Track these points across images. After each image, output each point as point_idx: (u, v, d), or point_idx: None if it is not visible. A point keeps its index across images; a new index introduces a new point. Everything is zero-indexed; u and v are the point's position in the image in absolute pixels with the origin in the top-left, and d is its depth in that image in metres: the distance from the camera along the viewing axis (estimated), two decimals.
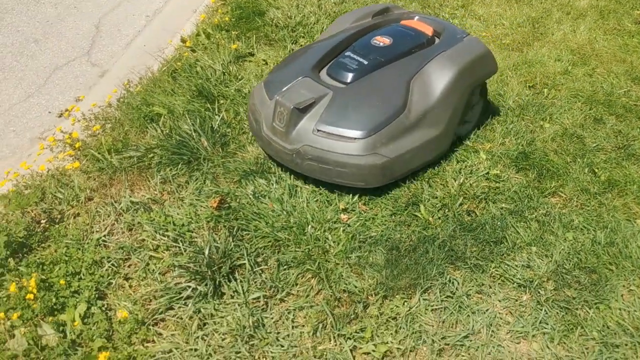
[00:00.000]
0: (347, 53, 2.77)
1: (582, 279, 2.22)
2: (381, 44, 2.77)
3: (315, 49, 2.88)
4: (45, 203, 2.61)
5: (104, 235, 2.46)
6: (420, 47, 2.79)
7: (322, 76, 2.71)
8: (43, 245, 2.44)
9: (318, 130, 2.48)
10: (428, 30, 2.89)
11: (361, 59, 2.69)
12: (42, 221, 2.53)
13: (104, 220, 2.53)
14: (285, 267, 2.30)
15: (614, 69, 3.54)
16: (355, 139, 2.44)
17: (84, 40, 4.33)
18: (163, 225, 2.45)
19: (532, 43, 3.86)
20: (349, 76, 2.63)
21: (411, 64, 2.68)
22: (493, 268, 2.28)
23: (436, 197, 2.57)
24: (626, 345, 2.02)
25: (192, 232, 2.42)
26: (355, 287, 2.21)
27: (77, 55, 4.15)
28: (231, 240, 2.35)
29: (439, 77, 2.60)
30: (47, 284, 2.22)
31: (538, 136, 2.93)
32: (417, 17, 3.07)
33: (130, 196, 2.62)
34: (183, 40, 3.80)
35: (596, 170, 2.71)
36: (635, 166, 2.74)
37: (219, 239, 2.34)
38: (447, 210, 2.51)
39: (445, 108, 2.61)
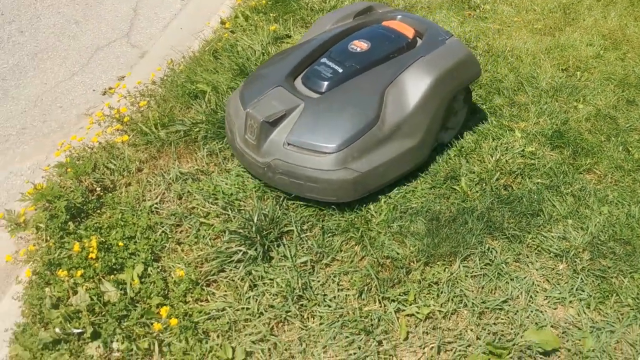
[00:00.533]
0: (323, 60, 2.66)
1: (617, 250, 2.30)
2: (358, 49, 2.66)
3: (292, 55, 2.77)
4: (98, 173, 2.74)
5: (156, 203, 2.58)
6: (399, 52, 2.67)
7: (297, 84, 2.63)
8: (98, 211, 2.57)
9: (288, 144, 2.41)
10: (409, 32, 2.77)
11: (336, 67, 2.59)
12: (97, 189, 2.66)
13: (154, 189, 2.66)
14: (329, 234, 2.41)
15: None
16: (325, 153, 2.37)
17: (123, 23, 4.46)
18: (212, 194, 2.57)
19: (563, 28, 3.92)
20: (323, 85, 2.54)
21: (387, 71, 2.57)
22: (530, 239, 2.37)
23: (474, 172, 2.66)
24: None
25: (240, 201, 2.54)
26: (398, 253, 2.31)
27: (117, 37, 4.28)
28: (278, 208, 2.47)
29: (415, 86, 2.50)
30: (105, 246, 2.35)
31: (572, 116, 3.01)
32: (399, 17, 2.94)
33: (179, 167, 2.74)
34: (223, 22, 3.91)
35: (630, 148, 2.78)
36: None
37: (267, 207, 2.46)
38: (484, 184, 2.60)
39: (422, 118, 2.52)
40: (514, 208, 2.48)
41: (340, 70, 2.58)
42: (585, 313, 2.10)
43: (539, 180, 2.62)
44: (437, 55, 2.61)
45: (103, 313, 2.14)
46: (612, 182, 2.62)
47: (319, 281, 2.24)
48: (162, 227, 2.46)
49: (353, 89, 2.53)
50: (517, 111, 3.05)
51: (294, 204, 2.53)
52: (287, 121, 2.46)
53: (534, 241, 2.36)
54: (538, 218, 2.45)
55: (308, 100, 2.50)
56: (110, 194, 2.64)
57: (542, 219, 2.44)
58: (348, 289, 2.22)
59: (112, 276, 2.26)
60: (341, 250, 2.36)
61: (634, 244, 2.32)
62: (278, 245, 2.35)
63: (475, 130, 2.90)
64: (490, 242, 2.37)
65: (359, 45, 2.68)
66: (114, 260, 2.30)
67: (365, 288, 2.20)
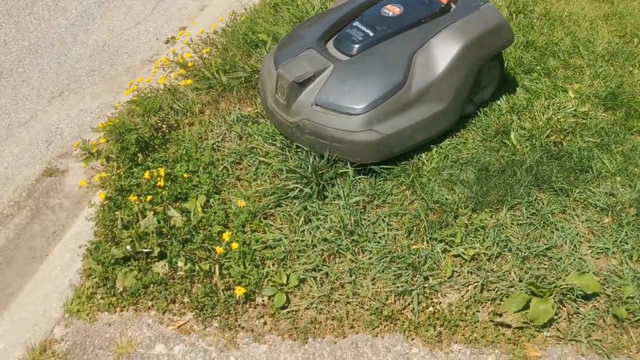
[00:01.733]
0: (355, 23, 2.70)
1: None
2: (390, 13, 2.68)
3: (326, 18, 2.83)
4: (163, 112, 2.91)
5: (217, 142, 2.74)
6: (432, 17, 2.68)
7: (329, 47, 2.68)
8: (164, 147, 2.75)
9: (316, 105, 2.47)
10: None
11: (368, 30, 2.63)
12: (163, 127, 2.83)
13: (216, 130, 2.81)
14: (381, 178, 2.52)
15: None
16: (351, 115, 2.43)
17: None
18: (271, 136, 2.71)
19: None
20: (354, 48, 2.58)
21: (418, 36, 2.59)
22: (577, 193, 2.43)
23: (524, 129, 2.72)
24: None
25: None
26: (447, 199, 2.41)
27: None
28: None
29: (444, 51, 2.52)
30: (171, 177, 2.53)
31: (627, 80, 3.02)
32: None
33: (240, 110, 2.88)
34: None
35: None
36: None
37: None
38: (534, 140, 2.66)
39: (450, 83, 2.54)
40: (563, 163, 2.54)
41: (372, 34, 2.61)
42: (627, 263, 2.17)
43: (589, 139, 2.67)
44: (469, 21, 2.62)
45: (169, 236, 2.32)
46: None
47: (370, 220, 2.36)
48: (223, 163, 2.62)
49: (382, 52, 2.57)
50: (572, 73, 3.07)
51: None
52: (316, 82, 2.51)
53: (581, 195, 2.42)
54: (586, 174, 2.50)
55: (337, 63, 2.55)
56: (175, 132, 2.81)
57: (590, 175, 2.49)
58: (397, 229, 2.34)
59: (178, 204, 2.43)
60: (392, 194, 2.47)
61: None
62: (332, 185, 2.47)
63: (529, 89, 2.95)
64: (538, 193, 2.44)
65: (392, 9, 2.71)
66: (179, 190, 2.47)
67: (414, 228, 2.31)
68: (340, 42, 2.67)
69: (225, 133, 2.79)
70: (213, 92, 3.03)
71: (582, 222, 2.33)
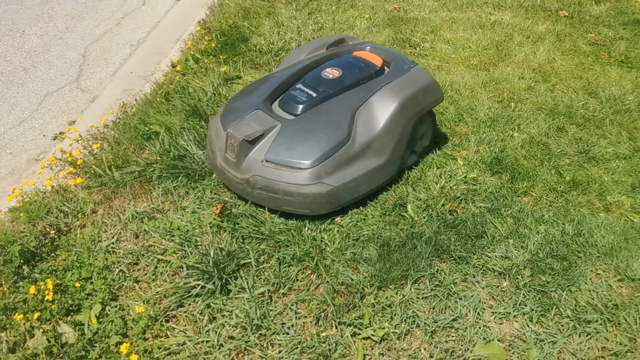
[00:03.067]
0: (298, 85, 2.89)
1: (555, 265, 2.47)
2: (331, 76, 2.89)
3: (269, 81, 3.00)
4: (52, 216, 2.74)
5: (112, 243, 2.60)
6: (368, 79, 2.91)
7: (274, 108, 2.84)
8: (53, 255, 2.57)
9: (267, 161, 2.60)
10: (377, 61, 3.02)
11: (310, 92, 2.81)
12: (51, 232, 2.67)
13: (110, 230, 2.68)
14: (286, 265, 2.48)
15: (572, 84, 3.88)
16: (301, 169, 2.56)
17: (72, 69, 4.50)
18: (169, 231, 2.61)
19: (497, 63, 4.19)
20: (299, 108, 2.76)
21: (357, 95, 2.79)
22: (475, 259, 2.50)
23: (420, 199, 2.80)
24: (596, 321, 2.25)
25: (197, 237, 2.59)
26: (352, 279, 2.40)
27: (67, 83, 4.31)
28: (234, 242, 2.53)
29: (382, 109, 2.71)
30: (62, 288, 2.36)
31: (508, 144, 3.21)
32: (368, 48, 3.21)
33: (134, 207, 2.78)
34: (173, 65, 4.01)
35: (562, 172, 2.99)
36: (595, 168, 3.04)
37: (223, 241, 2.52)
38: (431, 210, 2.74)
39: (389, 138, 2.72)
40: (460, 231, 2.62)
41: (314, 95, 2.80)
42: (528, 326, 2.23)
43: (481, 204, 2.78)
44: (403, 81, 2.86)
45: (61, 355, 2.13)
46: (547, 203, 2.80)
47: (277, 310, 2.30)
48: (119, 266, 2.49)
49: (326, 111, 2.75)
50: (459, 141, 3.24)
51: (249, 237, 2.60)
52: (265, 140, 2.65)
53: (479, 261, 2.50)
54: (482, 239, 2.59)
55: (285, 122, 2.70)
56: (65, 237, 2.65)
57: (485, 240, 2.59)
58: (305, 317, 2.29)
59: (70, 317, 2.26)
60: (297, 280, 2.43)
61: (569, 259, 2.49)
62: (235, 278, 2.40)
63: (421, 160, 3.06)
64: (439, 264, 2.49)
65: (332, 72, 2.92)
66: (70, 301, 2.30)
67: (322, 314, 2.27)
68: (285, 103, 2.83)
69: (120, 232, 2.67)
70: (106, 190, 2.91)
71: (483, 288, 2.39)
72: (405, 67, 2.95)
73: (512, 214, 2.72)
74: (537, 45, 4.47)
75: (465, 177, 2.94)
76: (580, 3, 5.33)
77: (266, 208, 2.71)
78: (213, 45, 4.23)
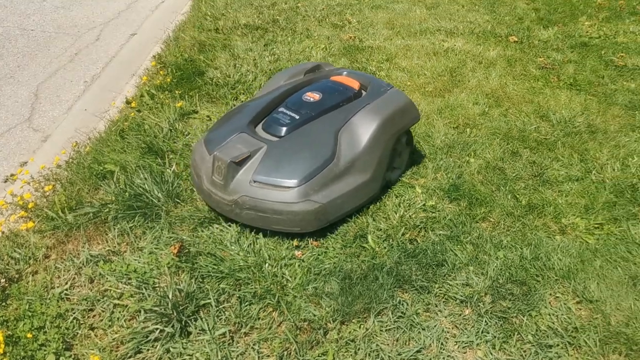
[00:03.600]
0: (281, 109, 2.98)
1: (515, 290, 2.49)
2: (311, 99, 3.00)
3: (252, 106, 3.08)
4: (2, 264, 2.64)
5: (66, 289, 2.51)
6: (347, 101, 3.04)
7: (258, 131, 2.91)
8: (4, 304, 2.47)
9: (254, 182, 2.65)
10: (355, 85, 3.17)
11: (293, 114, 2.91)
12: (1, 280, 2.56)
13: (64, 275, 2.59)
14: (247, 303, 2.44)
15: (524, 108, 3.98)
16: (288, 187, 2.62)
17: (24, 108, 4.39)
18: (125, 274, 2.54)
19: (452, 90, 4.27)
20: (282, 130, 2.84)
21: (339, 116, 2.90)
22: (437, 288, 2.51)
23: (380, 229, 2.80)
24: (558, 345, 2.27)
25: (155, 278, 2.52)
26: (315, 315, 2.37)
27: (18, 122, 4.19)
28: (193, 282, 2.48)
29: (364, 128, 2.83)
30: (13, 339, 2.26)
31: (465, 170, 3.26)
32: (345, 73, 3.35)
33: (89, 250, 2.70)
34: (128, 102, 3.96)
35: (517, 196, 3.05)
36: (549, 190, 3.10)
37: (182, 282, 2.46)
38: (391, 240, 2.75)
39: (371, 156, 2.83)
40: (420, 260, 2.63)
41: (297, 117, 2.90)
42: (491, 354, 2.24)
43: (440, 232, 2.80)
44: (381, 102, 3.00)
45: None
46: (504, 228, 2.84)
47: (239, 351, 2.25)
48: (73, 313, 2.40)
49: (309, 132, 2.85)
50: (417, 168, 3.27)
51: (209, 276, 2.55)
52: (252, 162, 2.71)
53: (440, 290, 2.50)
54: (443, 268, 2.60)
55: (270, 143, 2.77)
56: (16, 285, 2.55)
57: (446, 268, 2.60)
58: (268, 356, 2.24)
59: None
60: (259, 318, 2.39)
61: (528, 283, 2.51)
62: (195, 320, 2.34)
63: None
64: (401, 295, 2.49)
65: (312, 96, 3.03)
66: (22, 353, 2.20)
67: (285, 353, 2.23)
68: (269, 125, 2.91)
69: (74, 278, 2.58)
70: (59, 233, 2.82)
71: (446, 317, 2.39)
72: (382, 90, 3.11)
73: (472, 241, 2.75)
74: (489, 70, 4.59)
75: (424, 205, 2.96)
76: (529, 28, 5.50)
77: (227, 243, 2.68)
78: (169, 80, 4.20)
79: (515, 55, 4.89)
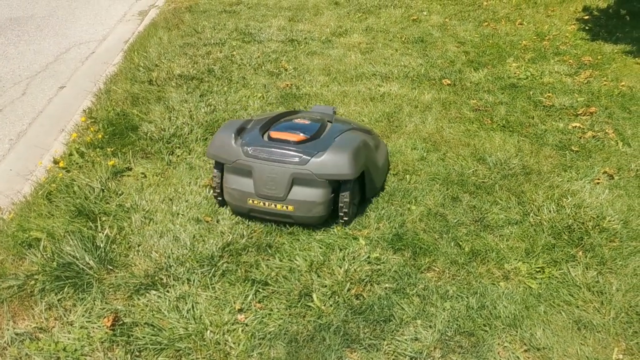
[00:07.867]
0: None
1: (463, 342, 2.45)
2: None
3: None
4: None
5: None
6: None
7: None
8: None
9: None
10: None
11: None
12: None
13: None
14: None
15: (461, 152, 4.05)
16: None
17: None
18: (54, 354, 2.35)
19: (390, 135, 4.31)
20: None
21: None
22: (386, 345, 2.44)
23: (326, 286, 2.73)
24: None
25: (87, 356, 2.35)
26: None
27: None
28: (129, 358, 2.32)
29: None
30: None
31: (407, 218, 3.25)
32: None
33: (14, 328, 2.49)
34: (56, 161, 3.77)
35: (460, 243, 3.05)
36: (491, 236, 3.13)
37: (116, 358, 2.30)
38: (337, 297, 2.67)
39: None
40: (367, 317, 2.56)
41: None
42: None
43: (386, 285, 2.75)
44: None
45: None
46: (450, 277, 2.82)
47: None
48: None
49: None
50: (358, 219, 3.23)
51: (146, 349, 2.39)
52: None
53: (389, 347, 2.44)
54: (390, 323, 2.54)
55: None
56: None
57: (394, 324, 2.54)
58: None
59: None
60: None
61: (476, 334, 2.49)
62: None
63: (322, 242, 3.01)
64: (350, 355, 2.41)
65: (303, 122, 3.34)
66: None
67: None
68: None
69: None
70: None
71: None
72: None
73: (418, 293, 2.71)
74: (425, 114, 4.66)
75: (369, 257, 2.91)
76: (460, 71, 5.67)
77: (165, 310, 2.53)
78: (100, 136, 4.04)
79: (449, 98, 5.01)
